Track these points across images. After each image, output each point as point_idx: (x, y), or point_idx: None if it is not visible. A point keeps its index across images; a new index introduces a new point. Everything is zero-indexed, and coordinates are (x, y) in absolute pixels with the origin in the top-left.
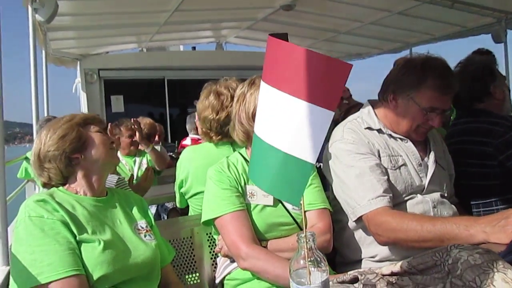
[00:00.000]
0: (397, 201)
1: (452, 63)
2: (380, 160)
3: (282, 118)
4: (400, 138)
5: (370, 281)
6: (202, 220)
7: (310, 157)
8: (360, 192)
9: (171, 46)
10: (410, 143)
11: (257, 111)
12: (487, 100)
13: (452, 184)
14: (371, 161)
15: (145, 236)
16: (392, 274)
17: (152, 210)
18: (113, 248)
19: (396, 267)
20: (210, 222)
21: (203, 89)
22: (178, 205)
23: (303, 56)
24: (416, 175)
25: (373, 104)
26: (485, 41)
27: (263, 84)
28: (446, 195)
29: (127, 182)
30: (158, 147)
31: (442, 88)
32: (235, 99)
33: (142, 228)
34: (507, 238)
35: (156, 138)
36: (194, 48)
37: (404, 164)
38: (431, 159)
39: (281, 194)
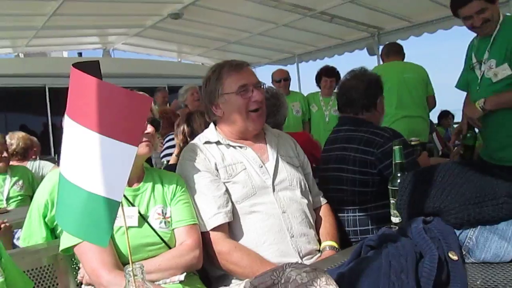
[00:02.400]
0: (245, 205)
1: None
2: (218, 173)
3: (85, 155)
4: (239, 146)
5: None
6: (61, 248)
7: (116, 195)
8: (199, 211)
9: (53, 51)
10: (249, 149)
11: (62, 147)
12: (373, 111)
13: (311, 182)
14: (205, 179)
15: None
16: None
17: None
18: None
19: (240, 287)
20: (69, 250)
21: None
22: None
23: (105, 90)
24: (257, 176)
25: (215, 120)
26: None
27: (66, 119)
28: (299, 192)
29: None
30: (36, 162)
31: (235, 68)
32: None
33: None
34: None
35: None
36: (80, 54)
37: (244, 169)
38: (272, 160)
39: (88, 236)
